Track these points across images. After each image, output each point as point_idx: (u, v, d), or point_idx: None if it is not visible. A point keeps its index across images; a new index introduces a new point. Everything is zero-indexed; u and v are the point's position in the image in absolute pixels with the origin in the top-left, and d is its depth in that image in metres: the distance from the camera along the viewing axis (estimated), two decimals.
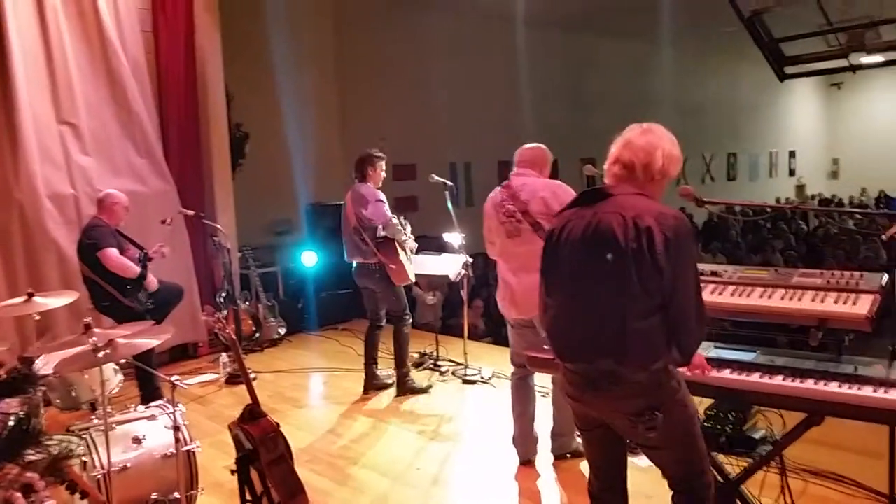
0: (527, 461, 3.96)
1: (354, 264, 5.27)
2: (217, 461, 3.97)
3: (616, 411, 2.21)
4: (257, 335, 6.89)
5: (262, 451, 2.94)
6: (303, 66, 9.16)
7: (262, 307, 7.04)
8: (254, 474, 3.01)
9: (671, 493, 2.38)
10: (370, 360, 5.41)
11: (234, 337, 3.37)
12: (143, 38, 6.40)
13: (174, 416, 3.24)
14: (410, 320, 5.38)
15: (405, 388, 5.32)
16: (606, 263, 2.13)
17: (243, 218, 7.50)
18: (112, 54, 6.04)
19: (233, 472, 3.04)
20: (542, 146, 3.88)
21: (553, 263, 2.32)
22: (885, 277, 2.66)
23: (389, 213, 5.08)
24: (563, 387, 2.40)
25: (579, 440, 3.83)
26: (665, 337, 2.12)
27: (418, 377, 5.54)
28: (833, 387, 2.43)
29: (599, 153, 3.83)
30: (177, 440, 3.17)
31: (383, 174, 5.24)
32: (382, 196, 5.12)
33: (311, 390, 5.85)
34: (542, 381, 4.37)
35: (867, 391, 2.36)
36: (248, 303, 6.95)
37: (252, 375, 5.37)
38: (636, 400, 2.15)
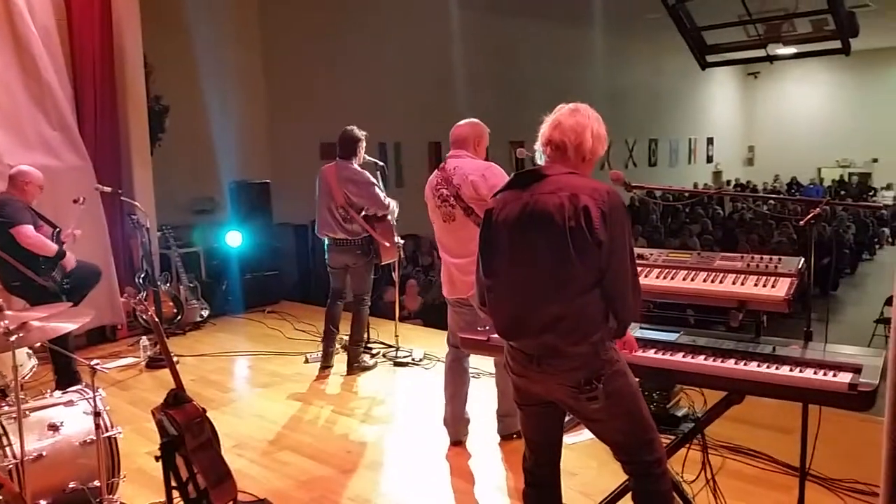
0: (457, 442, 3.98)
1: (328, 241, 5.22)
2: (140, 447, 3.84)
3: (559, 384, 2.25)
4: (179, 318, 6.67)
5: (188, 437, 2.85)
6: (227, 38, 8.87)
7: (183, 288, 6.82)
8: (179, 460, 2.92)
9: (627, 477, 2.41)
10: (331, 333, 5.38)
11: (156, 319, 3.25)
12: (52, 2, 6.02)
13: (94, 401, 3.10)
14: (370, 303, 5.40)
15: (358, 367, 5.34)
16: (545, 243, 2.18)
17: (163, 195, 7.24)
18: (18, 19, 5.66)
19: (157, 458, 2.94)
20: (474, 121, 3.84)
21: (491, 245, 2.34)
22: (801, 261, 2.78)
23: (387, 200, 5.11)
24: (505, 364, 2.42)
25: None
26: (604, 310, 2.20)
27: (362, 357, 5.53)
28: (752, 366, 2.52)
29: (529, 136, 3.86)
30: (97, 426, 3.04)
31: None
32: (373, 178, 5.12)
33: (237, 374, 5.72)
34: (477, 363, 4.41)
35: (784, 370, 2.47)
36: (168, 284, 6.72)
37: (174, 359, 5.23)
38: (577, 372, 2.20)
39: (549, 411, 2.40)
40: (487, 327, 3.02)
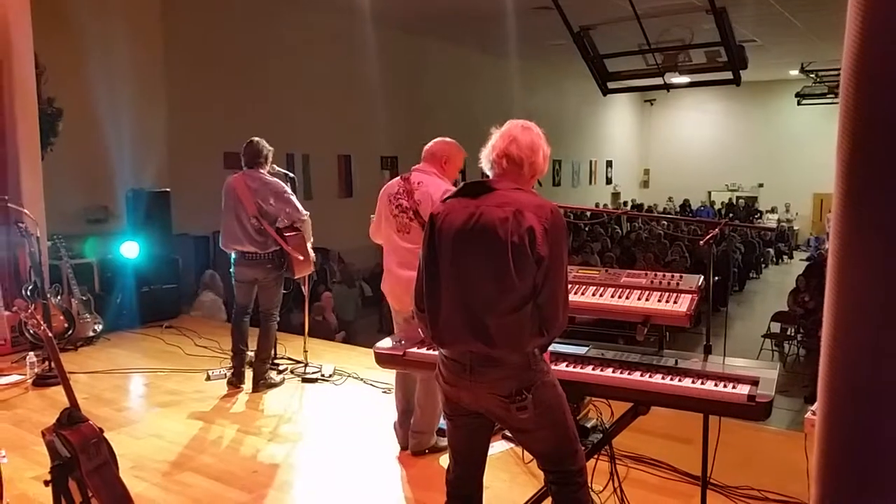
0: (405, 447, 4.00)
1: (236, 254, 5.04)
2: (25, 472, 3.57)
3: (490, 394, 2.27)
4: (70, 332, 6.29)
5: (83, 459, 2.68)
6: (127, 39, 8.48)
7: (75, 302, 6.44)
8: (72, 484, 2.74)
9: (547, 483, 2.45)
10: (241, 351, 5.19)
11: (49, 334, 3.05)
12: None
13: None
14: (278, 318, 5.26)
15: (264, 384, 5.17)
16: (485, 254, 2.21)
17: (55, 203, 6.85)
18: None
19: (46, 482, 2.75)
20: (449, 140, 3.83)
21: (433, 250, 2.34)
22: (701, 279, 2.93)
23: (302, 210, 4.99)
24: (437, 373, 2.42)
25: (436, 437, 3.89)
26: (537, 324, 2.24)
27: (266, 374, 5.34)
28: (657, 378, 2.63)
29: None
30: None
31: None
32: (289, 188, 4.99)
33: (133, 392, 5.43)
34: (384, 377, 4.36)
35: (687, 382, 2.58)
36: (59, 297, 6.33)
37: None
38: (509, 382, 2.23)
39: (477, 423, 2.41)
40: (403, 341, 3.02)
